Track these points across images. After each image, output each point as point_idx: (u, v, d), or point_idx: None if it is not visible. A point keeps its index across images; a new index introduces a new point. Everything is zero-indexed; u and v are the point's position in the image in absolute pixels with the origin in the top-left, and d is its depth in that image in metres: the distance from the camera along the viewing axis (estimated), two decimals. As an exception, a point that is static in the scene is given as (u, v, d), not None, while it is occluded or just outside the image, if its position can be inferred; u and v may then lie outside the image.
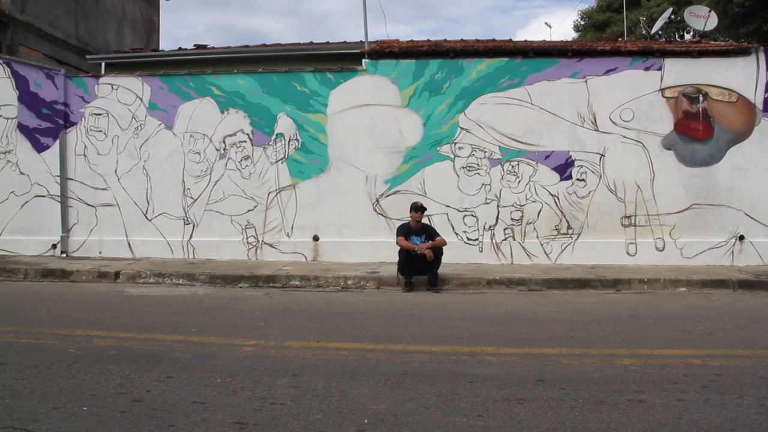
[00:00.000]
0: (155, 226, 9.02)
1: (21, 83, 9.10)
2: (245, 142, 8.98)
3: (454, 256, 8.22)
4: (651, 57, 8.75)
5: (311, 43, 11.07)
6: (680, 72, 8.68)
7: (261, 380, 3.56)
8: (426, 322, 5.35)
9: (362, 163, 8.89)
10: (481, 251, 8.77)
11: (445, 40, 10.34)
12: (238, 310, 5.94)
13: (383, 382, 3.58)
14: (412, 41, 10.34)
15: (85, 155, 9.09)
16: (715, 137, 8.63)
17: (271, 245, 8.93)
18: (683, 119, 8.67)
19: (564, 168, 8.73)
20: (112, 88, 9.11)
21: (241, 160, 8.98)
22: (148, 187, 9.04)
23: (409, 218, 7.43)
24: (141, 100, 9.07)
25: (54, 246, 9.04)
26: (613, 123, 8.71)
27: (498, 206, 8.77)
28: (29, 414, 2.97)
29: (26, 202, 9.10)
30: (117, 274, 7.66)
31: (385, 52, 9.05)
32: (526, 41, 10.26)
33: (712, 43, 10.30)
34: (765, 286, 7.26)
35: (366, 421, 2.96)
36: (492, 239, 8.78)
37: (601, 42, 10.45)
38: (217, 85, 9.02)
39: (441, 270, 7.30)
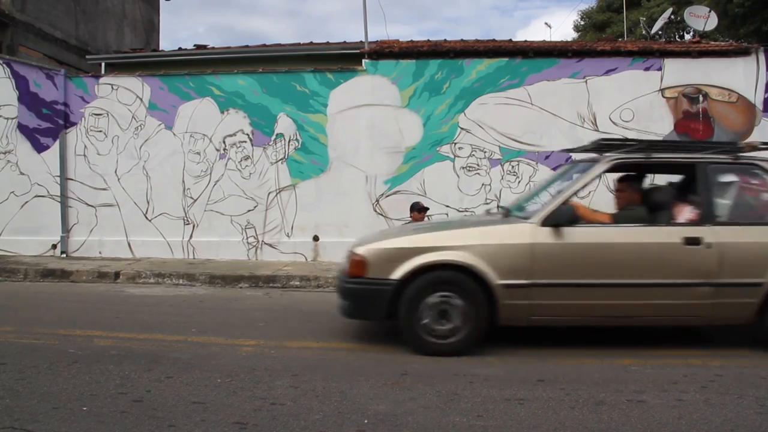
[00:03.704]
0: (155, 226, 9.02)
1: (21, 83, 9.09)
2: (245, 142, 8.98)
3: (454, 256, 8.22)
4: (651, 57, 8.75)
5: (311, 43, 11.08)
6: (680, 72, 8.68)
7: (261, 380, 3.57)
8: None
9: (362, 163, 8.89)
10: (481, 251, 8.75)
11: (445, 40, 10.34)
12: (238, 310, 5.94)
13: (383, 382, 3.58)
14: (412, 41, 10.34)
15: (85, 155, 9.09)
16: (715, 137, 8.62)
17: (271, 245, 8.93)
18: (683, 119, 8.67)
19: (564, 168, 8.72)
20: (112, 88, 9.11)
21: (241, 160, 8.98)
22: (148, 187, 9.04)
23: (410, 219, 7.43)
24: (141, 100, 9.06)
25: (54, 246, 9.04)
26: (613, 123, 8.71)
27: (498, 206, 8.76)
28: (29, 414, 2.97)
29: (26, 202, 9.10)
30: (117, 275, 7.66)
31: (385, 52, 9.05)
32: (526, 41, 10.25)
33: (712, 43, 10.30)
34: (765, 286, 7.24)
35: (366, 421, 2.96)
36: (492, 239, 8.77)
37: (601, 42, 10.45)
38: (217, 85, 9.02)
39: (441, 270, 7.28)
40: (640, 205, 4.71)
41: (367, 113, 8.90)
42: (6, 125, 9.08)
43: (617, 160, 4.61)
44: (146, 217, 9.03)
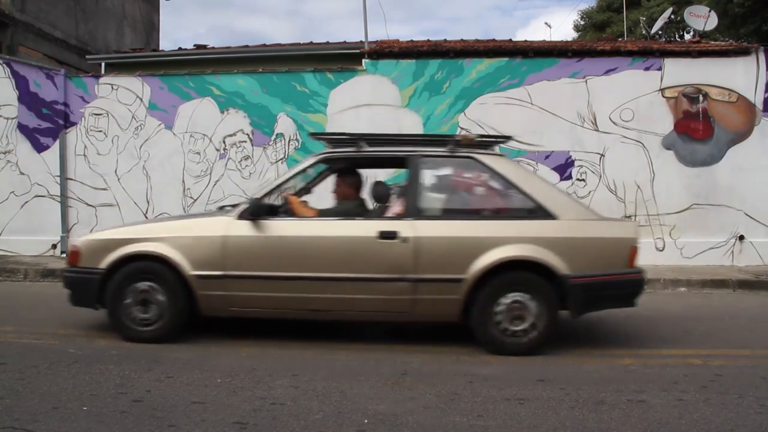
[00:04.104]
0: (155, 226, 9.02)
1: (21, 83, 9.09)
2: (245, 142, 8.98)
3: (454, 256, 8.21)
4: (651, 57, 8.75)
5: (311, 43, 11.09)
6: (680, 72, 8.68)
7: (261, 380, 3.56)
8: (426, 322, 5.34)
9: (362, 163, 8.87)
10: (481, 251, 8.74)
11: (445, 40, 10.34)
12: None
13: (383, 382, 3.58)
14: (412, 41, 10.34)
15: (85, 155, 9.09)
16: (715, 137, 8.62)
17: (271, 245, 8.91)
18: (683, 119, 8.66)
19: (564, 168, 8.73)
20: (112, 88, 9.10)
21: (241, 160, 8.98)
22: (148, 187, 9.03)
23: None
24: (141, 100, 9.06)
25: (54, 246, 9.04)
26: (613, 123, 8.71)
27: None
28: (29, 414, 2.97)
29: (26, 202, 9.10)
30: (117, 274, 7.64)
31: (385, 52, 9.05)
32: (526, 41, 10.26)
33: (712, 43, 10.30)
34: (765, 286, 7.26)
35: (366, 421, 2.96)
36: (492, 239, 8.77)
37: (601, 42, 10.45)
38: (217, 85, 9.01)
39: (441, 270, 7.28)
40: (355, 199, 4.80)
41: (367, 113, 8.90)
42: (6, 125, 9.08)
43: (326, 154, 4.69)
44: (146, 217, 9.02)
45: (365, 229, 4.26)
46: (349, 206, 4.71)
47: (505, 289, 4.15)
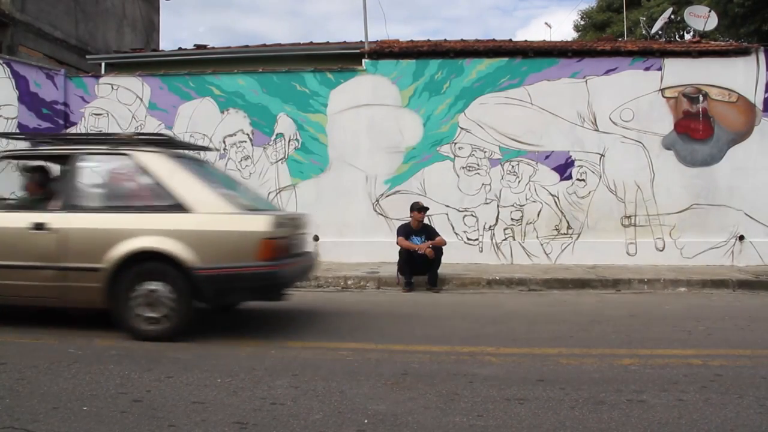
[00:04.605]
0: (155, 226, 9.01)
1: (21, 83, 9.09)
2: (245, 142, 8.98)
3: (454, 256, 8.22)
4: (651, 57, 8.76)
5: (311, 43, 11.10)
6: (680, 72, 8.69)
7: (261, 380, 3.56)
8: (426, 322, 5.35)
9: (362, 163, 8.89)
10: (481, 251, 8.77)
11: (445, 40, 10.34)
12: (238, 310, 5.94)
13: (383, 382, 3.57)
14: (412, 41, 10.35)
15: (85, 155, 9.08)
16: (715, 137, 8.63)
17: (271, 245, 8.92)
18: (683, 119, 8.67)
19: (564, 168, 8.74)
20: (112, 88, 9.11)
21: (241, 160, 8.98)
22: (148, 187, 9.03)
23: (410, 218, 7.43)
24: (141, 100, 9.07)
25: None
26: (613, 123, 8.72)
27: (498, 206, 8.77)
28: (29, 414, 2.97)
29: (26, 202, 9.09)
30: (117, 274, 7.65)
31: (385, 52, 9.06)
32: (526, 41, 10.26)
33: (712, 43, 10.31)
34: (765, 286, 7.26)
35: (366, 421, 2.96)
36: (492, 239, 8.79)
37: (601, 42, 10.45)
38: (217, 85, 9.02)
39: (441, 270, 7.30)
40: (37, 193, 5.14)
41: (367, 113, 8.91)
42: (6, 125, 9.07)
43: (5, 152, 5.25)
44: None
45: (23, 220, 4.59)
46: (28, 200, 5.11)
47: (142, 279, 4.38)
